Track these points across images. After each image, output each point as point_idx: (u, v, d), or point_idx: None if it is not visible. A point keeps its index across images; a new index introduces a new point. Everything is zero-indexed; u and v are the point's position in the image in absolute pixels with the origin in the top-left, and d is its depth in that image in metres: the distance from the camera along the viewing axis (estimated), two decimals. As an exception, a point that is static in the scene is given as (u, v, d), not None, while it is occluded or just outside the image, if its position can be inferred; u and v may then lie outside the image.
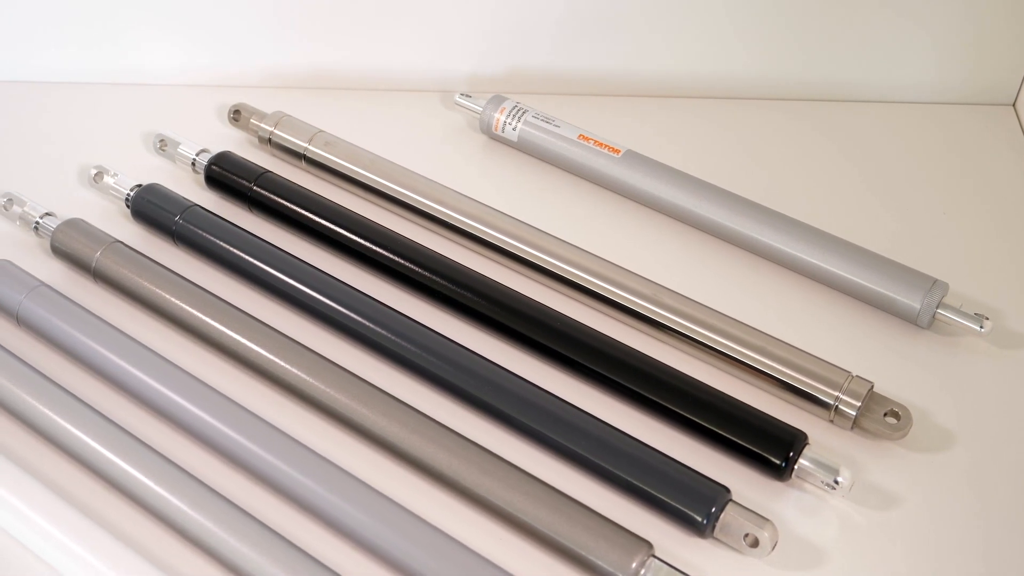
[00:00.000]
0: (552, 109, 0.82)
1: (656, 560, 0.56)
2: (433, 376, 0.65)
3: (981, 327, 0.66)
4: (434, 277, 0.70)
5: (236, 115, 0.83)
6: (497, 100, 0.82)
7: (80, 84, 0.89)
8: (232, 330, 0.67)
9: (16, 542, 0.59)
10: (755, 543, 0.57)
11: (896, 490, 0.61)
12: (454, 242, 0.75)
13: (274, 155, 0.82)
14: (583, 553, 0.56)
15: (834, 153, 0.82)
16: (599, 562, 0.56)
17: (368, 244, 0.72)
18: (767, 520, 0.57)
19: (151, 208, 0.75)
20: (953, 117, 0.84)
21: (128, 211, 0.76)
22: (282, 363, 0.65)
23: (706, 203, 0.74)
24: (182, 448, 0.63)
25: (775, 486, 0.61)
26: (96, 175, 0.78)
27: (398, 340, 0.66)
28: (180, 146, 0.79)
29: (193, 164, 0.79)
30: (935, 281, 0.68)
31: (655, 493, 0.59)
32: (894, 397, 0.63)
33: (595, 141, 0.78)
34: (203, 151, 0.79)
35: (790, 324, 0.68)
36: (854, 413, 0.62)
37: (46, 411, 0.62)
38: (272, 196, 0.76)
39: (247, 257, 0.72)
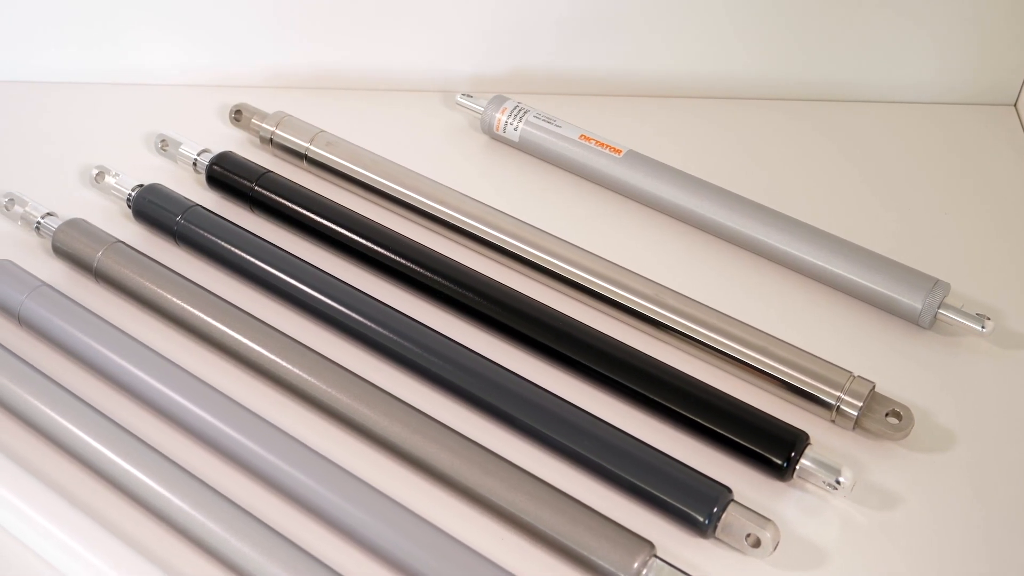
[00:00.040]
0: (552, 109, 0.82)
1: (658, 560, 0.56)
2: (435, 376, 0.65)
3: (983, 327, 0.66)
4: (436, 277, 0.70)
5: (237, 115, 0.83)
6: (498, 100, 0.82)
7: (80, 84, 0.89)
8: (233, 330, 0.67)
9: (17, 542, 0.59)
10: (757, 543, 0.57)
11: (898, 490, 0.61)
12: (455, 242, 0.75)
13: (275, 155, 0.82)
14: (585, 553, 0.56)
15: (834, 153, 0.82)
16: (601, 562, 0.56)
17: (369, 244, 0.72)
18: (769, 520, 0.57)
19: (152, 208, 0.75)
20: (954, 117, 0.84)
21: (129, 211, 0.76)
22: (284, 363, 0.65)
23: (708, 203, 0.74)
24: (183, 448, 0.63)
25: (777, 486, 0.61)
26: (97, 175, 0.78)
27: (399, 340, 0.66)
28: (181, 146, 0.79)
29: (194, 164, 0.79)
30: (937, 281, 0.68)
31: (657, 493, 0.59)
32: (896, 397, 0.63)
33: (596, 141, 0.78)
34: (204, 151, 0.79)
35: (792, 324, 0.68)
36: (856, 413, 0.62)
37: (48, 411, 0.62)
38: (273, 196, 0.76)
39: (248, 257, 0.72)
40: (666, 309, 0.68)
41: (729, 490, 0.58)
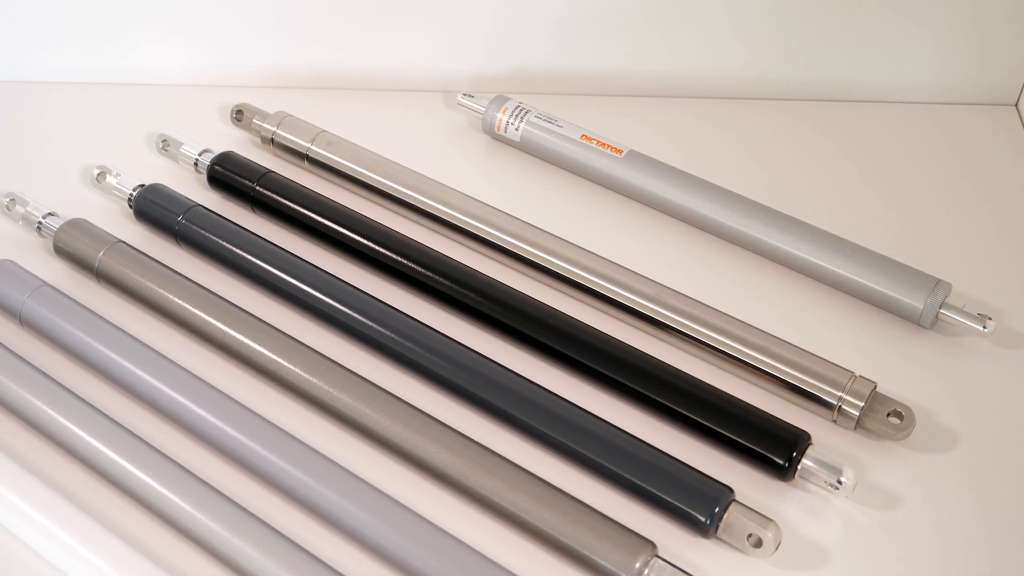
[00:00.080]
0: (552, 109, 0.82)
1: (659, 560, 0.56)
2: (436, 376, 0.65)
3: (984, 327, 0.66)
4: (437, 277, 0.70)
5: (239, 115, 0.83)
6: (499, 100, 0.82)
7: (81, 84, 0.89)
8: (235, 330, 0.67)
9: (19, 542, 0.59)
10: (758, 543, 0.57)
11: (899, 490, 0.61)
12: (457, 242, 0.75)
13: (277, 155, 0.82)
14: (586, 553, 0.56)
15: (835, 153, 0.82)
16: (602, 562, 0.56)
17: (371, 244, 0.72)
18: (770, 520, 0.57)
19: (154, 208, 0.75)
20: (955, 117, 0.84)
21: (131, 211, 0.76)
22: (285, 363, 0.65)
23: (710, 203, 0.74)
24: (185, 448, 0.63)
25: (778, 486, 0.61)
26: (99, 175, 0.78)
27: (401, 340, 0.66)
28: (183, 146, 0.79)
29: (196, 164, 0.79)
30: (938, 281, 0.68)
31: (659, 493, 0.59)
32: (897, 397, 0.63)
33: (598, 141, 0.78)
34: (206, 151, 0.79)
35: (793, 324, 0.68)
36: (857, 413, 0.62)
37: (49, 411, 0.62)
38: (275, 196, 0.76)
39: (250, 257, 0.72)
40: (667, 309, 0.68)
41: (731, 490, 0.58)
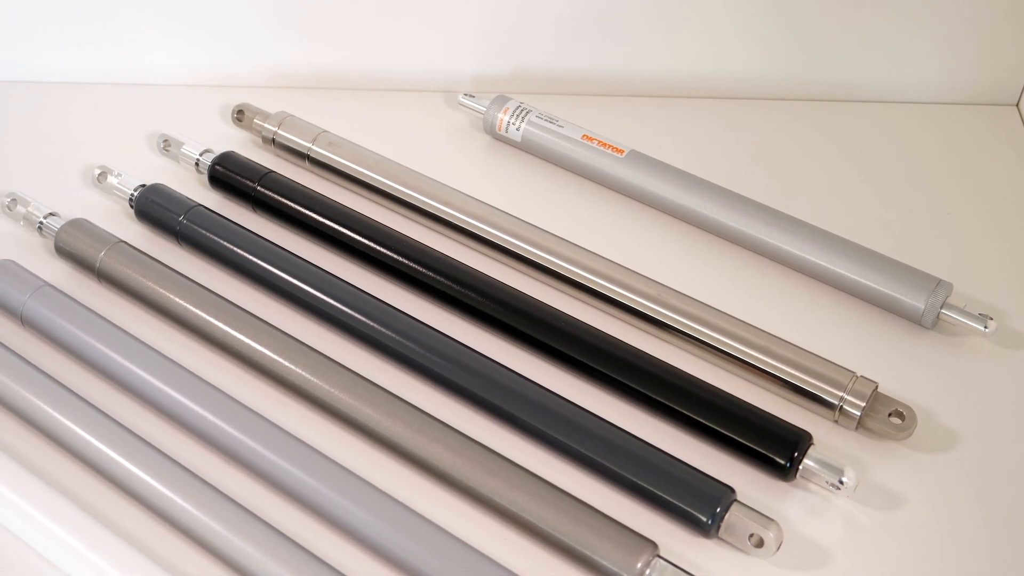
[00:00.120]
0: (552, 109, 0.82)
1: (661, 560, 0.56)
2: (438, 376, 0.65)
3: (985, 327, 0.66)
4: (438, 277, 0.70)
5: (240, 115, 0.82)
6: (501, 100, 0.82)
7: (81, 84, 0.89)
8: (236, 330, 0.67)
9: (20, 541, 0.59)
10: (760, 543, 0.57)
11: (901, 490, 0.61)
12: (458, 242, 0.75)
13: (278, 155, 0.82)
14: (588, 553, 0.56)
15: (835, 153, 0.82)
16: (604, 562, 0.56)
17: (372, 244, 0.72)
18: (772, 520, 0.57)
19: (155, 208, 0.75)
20: (956, 117, 0.84)
21: (132, 211, 0.76)
22: (286, 363, 0.65)
23: (711, 204, 0.74)
24: (186, 448, 0.63)
25: (780, 486, 0.61)
26: (100, 175, 0.78)
27: (402, 340, 0.66)
28: (184, 146, 0.79)
29: (197, 164, 0.79)
30: (939, 281, 0.68)
31: (660, 493, 0.59)
32: (898, 397, 0.63)
33: (599, 141, 0.78)
34: (207, 151, 0.79)
35: (794, 324, 0.68)
36: (859, 413, 0.62)
37: (50, 411, 0.62)
38: (276, 196, 0.76)
39: (251, 257, 0.71)
40: (669, 309, 0.68)
41: (732, 490, 0.58)
